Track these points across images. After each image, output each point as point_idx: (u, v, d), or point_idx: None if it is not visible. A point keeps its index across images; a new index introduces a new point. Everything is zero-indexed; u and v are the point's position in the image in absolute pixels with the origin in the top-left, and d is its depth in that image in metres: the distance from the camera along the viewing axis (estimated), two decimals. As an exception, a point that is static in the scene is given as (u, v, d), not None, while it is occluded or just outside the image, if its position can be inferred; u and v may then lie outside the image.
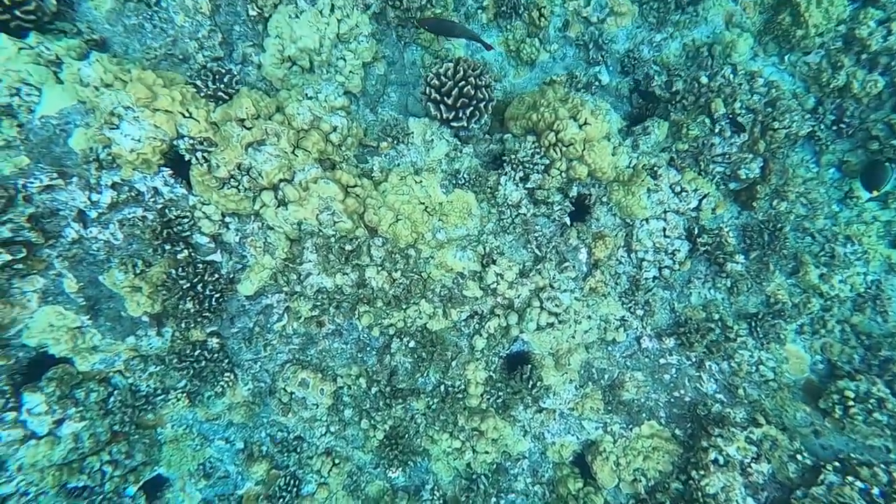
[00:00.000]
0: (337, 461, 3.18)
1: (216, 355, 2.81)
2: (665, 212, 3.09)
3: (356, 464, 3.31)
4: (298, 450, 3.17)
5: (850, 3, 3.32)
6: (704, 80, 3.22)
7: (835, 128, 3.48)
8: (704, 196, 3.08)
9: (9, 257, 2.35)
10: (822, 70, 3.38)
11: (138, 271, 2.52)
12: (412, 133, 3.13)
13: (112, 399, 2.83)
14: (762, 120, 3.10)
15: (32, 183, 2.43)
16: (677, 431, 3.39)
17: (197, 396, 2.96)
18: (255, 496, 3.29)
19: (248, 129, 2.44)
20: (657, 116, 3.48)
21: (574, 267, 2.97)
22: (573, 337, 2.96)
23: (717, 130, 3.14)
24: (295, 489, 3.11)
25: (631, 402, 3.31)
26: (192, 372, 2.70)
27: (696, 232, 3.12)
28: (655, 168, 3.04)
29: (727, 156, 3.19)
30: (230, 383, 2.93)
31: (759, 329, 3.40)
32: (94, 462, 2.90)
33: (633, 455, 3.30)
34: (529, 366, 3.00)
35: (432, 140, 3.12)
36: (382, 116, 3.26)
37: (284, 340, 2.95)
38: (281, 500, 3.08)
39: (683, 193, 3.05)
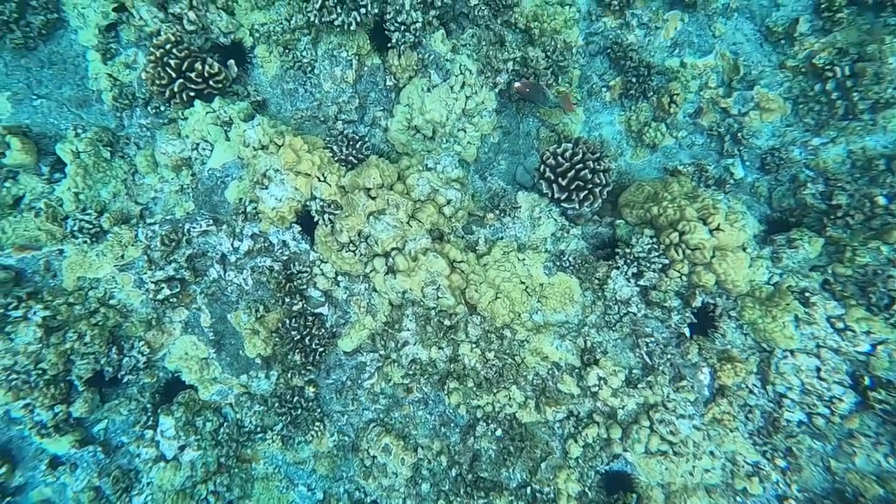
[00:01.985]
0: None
1: (311, 404, 2.92)
2: (819, 347, 2.54)
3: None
4: (373, 513, 3.08)
5: None
6: (882, 201, 2.68)
7: None
8: (881, 342, 2.47)
9: (169, 292, 2.72)
10: None
11: (259, 315, 2.74)
12: (520, 207, 3.07)
13: (222, 430, 3.04)
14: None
15: (195, 228, 2.82)
16: None
17: (289, 440, 3.07)
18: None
19: (373, 198, 2.57)
20: (806, 226, 2.98)
21: (693, 388, 2.55)
22: (690, 474, 2.50)
23: (897, 260, 2.56)
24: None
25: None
26: (289, 418, 2.82)
27: (867, 382, 2.50)
28: (807, 293, 2.54)
29: (910, 290, 2.57)
30: (319, 433, 3.00)
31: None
32: (203, 490, 3.06)
33: None
34: (635, 495, 2.58)
35: (540, 217, 3.02)
36: (491, 185, 3.26)
37: (372, 398, 2.97)
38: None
39: (849, 333, 2.49)
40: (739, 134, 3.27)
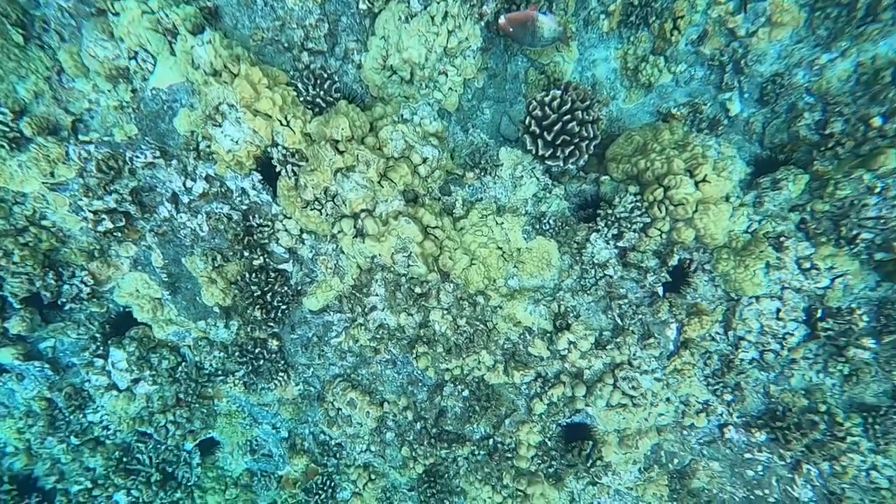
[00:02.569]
0: (373, 477, 3.30)
1: (274, 356, 2.92)
2: (783, 289, 2.65)
3: (392, 482, 3.43)
4: (338, 456, 3.31)
5: None
6: (878, 121, 2.55)
7: None
8: (840, 276, 2.57)
9: (111, 226, 2.49)
10: None
11: (217, 265, 2.60)
12: (501, 165, 2.88)
13: (180, 369, 3.05)
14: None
15: (139, 157, 2.50)
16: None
17: (252, 386, 3.13)
18: (293, 481, 3.54)
19: (341, 152, 2.32)
20: (794, 164, 2.88)
21: (659, 343, 2.69)
22: (646, 420, 2.74)
23: (877, 189, 2.50)
24: (331, 490, 3.30)
25: (700, 492, 3.07)
26: (250, 367, 2.83)
27: (818, 314, 2.64)
28: (781, 238, 2.57)
29: (882, 220, 2.56)
30: (283, 382, 3.06)
31: (877, 427, 2.79)
32: (161, 419, 3.22)
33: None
34: (591, 443, 2.84)
35: (521, 177, 2.85)
36: (473, 138, 3.01)
37: (339, 355, 2.99)
38: (317, 497, 3.29)
39: (814, 271, 2.57)
40: (743, 61, 2.94)
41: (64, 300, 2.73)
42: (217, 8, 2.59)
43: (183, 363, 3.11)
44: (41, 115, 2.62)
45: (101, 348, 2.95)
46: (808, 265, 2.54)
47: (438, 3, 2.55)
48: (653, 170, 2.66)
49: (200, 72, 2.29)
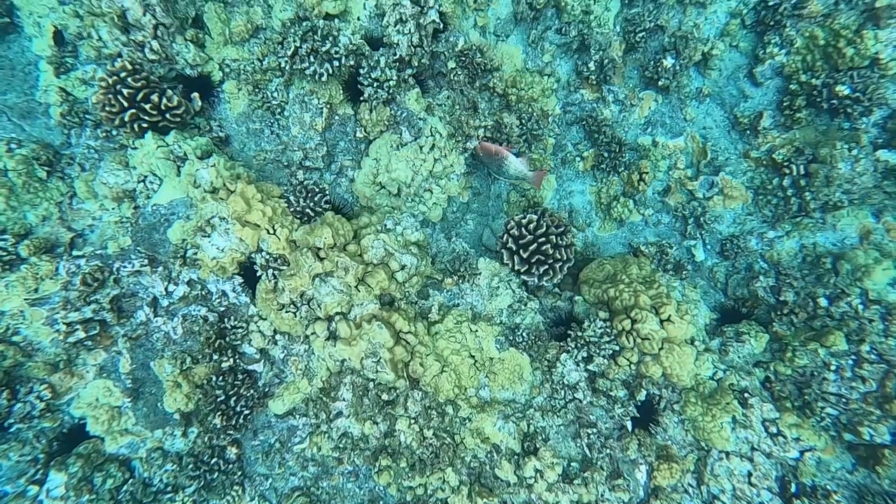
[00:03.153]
0: None
1: (231, 466, 2.71)
2: (752, 449, 2.56)
3: None
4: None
5: None
6: (823, 302, 2.77)
7: None
8: (809, 449, 2.52)
9: (83, 335, 2.50)
10: None
11: (185, 367, 2.55)
12: (480, 274, 3.01)
13: (124, 489, 2.79)
14: (898, 374, 2.54)
15: (126, 266, 2.61)
16: None
17: (202, 502, 2.84)
18: None
19: (321, 259, 2.46)
20: (756, 319, 3.04)
21: (629, 487, 2.51)
22: None
23: (833, 367, 2.63)
24: None
25: None
26: (202, 482, 2.60)
27: (793, 489, 2.53)
28: (746, 395, 2.57)
29: (844, 400, 2.63)
30: (237, 498, 2.79)
31: None
32: None
33: None
34: None
35: (498, 287, 2.96)
36: (455, 246, 3.20)
37: (301, 464, 2.80)
38: None
39: (780, 438, 2.52)
40: (702, 218, 3.34)
41: (11, 421, 2.59)
42: (228, 136, 3.00)
43: (130, 480, 2.84)
44: (43, 235, 2.83)
45: (42, 472, 2.67)
46: (774, 430, 2.51)
47: (427, 137, 2.94)
48: (622, 300, 2.78)
49: (200, 189, 2.53)
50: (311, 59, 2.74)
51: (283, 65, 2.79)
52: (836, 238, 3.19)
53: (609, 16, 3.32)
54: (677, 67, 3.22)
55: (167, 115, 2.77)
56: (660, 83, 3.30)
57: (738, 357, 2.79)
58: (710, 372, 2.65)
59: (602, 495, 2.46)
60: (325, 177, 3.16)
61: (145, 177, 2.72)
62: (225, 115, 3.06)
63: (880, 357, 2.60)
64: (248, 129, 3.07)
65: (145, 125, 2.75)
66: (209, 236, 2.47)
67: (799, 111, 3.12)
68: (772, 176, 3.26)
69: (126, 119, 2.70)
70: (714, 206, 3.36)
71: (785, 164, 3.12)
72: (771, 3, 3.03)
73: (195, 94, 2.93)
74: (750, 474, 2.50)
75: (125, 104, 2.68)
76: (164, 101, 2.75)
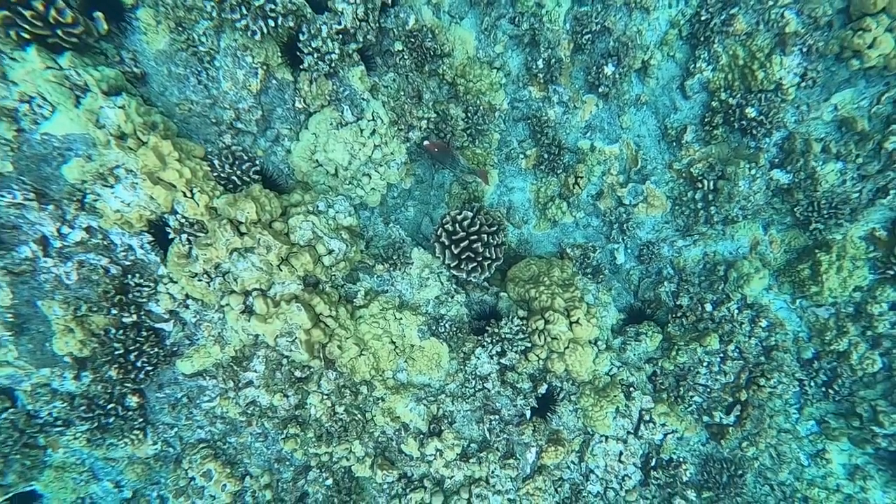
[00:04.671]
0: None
1: (131, 413, 2.67)
2: (628, 433, 2.99)
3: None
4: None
5: (872, 274, 3.32)
6: (709, 308, 3.18)
7: (824, 388, 3.42)
8: (671, 432, 2.98)
9: None
10: (828, 328, 3.35)
11: (79, 314, 2.41)
12: (412, 263, 3.08)
13: (3, 416, 2.65)
14: (751, 370, 3.04)
15: (4, 196, 2.32)
16: None
17: (97, 441, 2.79)
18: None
19: (242, 234, 2.38)
20: (657, 320, 3.43)
21: (518, 465, 2.84)
22: None
23: (705, 363, 3.08)
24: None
25: None
26: (97, 424, 2.56)
27: (652, 463, 3.02)
28: (631, 389, 2.95)
29: (709, 389, 3.12)
30: (137, 440, 2.78)
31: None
32: None
33: None
34: None
35: (428, 278, 3.06)
36: (392, 233, 3.22)
37: (210, 420, 2.82)
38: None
39: (650, 424, 2.96)
40: (626, 224, 3.62)
41: None
42: (146, 74, 2.63)
43: (11, 409, 2.71)
44: None
45: None
46: (647, 417, 2.93)
47: (368, 121, 2.85)
48: (539, 301, 3.00)
49: (104, 131, 2.27)
50: (243, 10, 2.47)
51: (209, 9, 2.48)
52: (733, 247, 3.62)
53: (560, 12, 3.32)
54: (617, 75, 3.33)
55: (58, 32, 2.29)
56: (600, 89, 3.41)
57: (634, 355, 3.16)
58: (606, 368, 2.99)
59: (493, 472, 2.77)
60: (259, 142, 2.97)
61: (31, 97, 2.33)
62: (141, 49, 2.67)
63: (740, 354, 3.09)
64: (169, 72, 2.72)
65: (27, 35, 2.26)
66: (111, 187, 2.27)
67: (716, 128, 3.40)
68: (688, 188, 3.57)
69: (-4, 22, 2.24)
70: (638, 213, 3.64)
71: (699, 178, 3.43)
72: (703, 18, 3.18)
73: (99, 13, 2.43)
74: (621, 453, 2.94)
75: (-6, 3, 2.22)
76: (53, 12, 2.27)
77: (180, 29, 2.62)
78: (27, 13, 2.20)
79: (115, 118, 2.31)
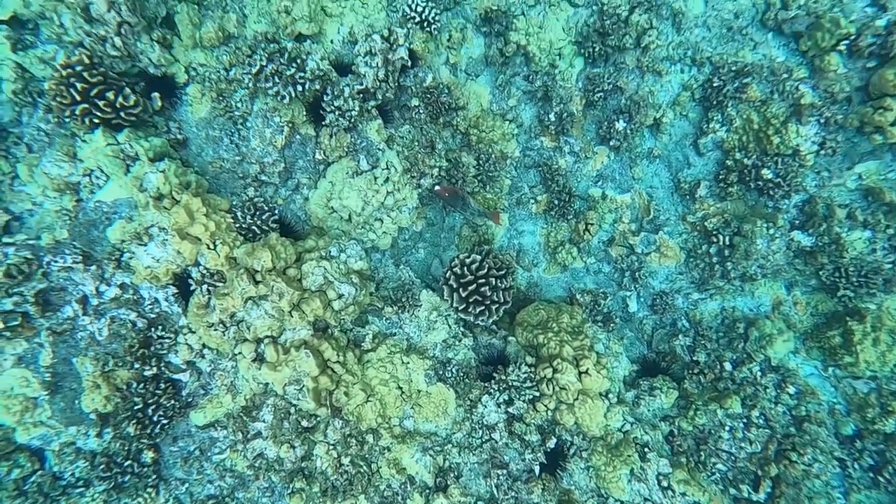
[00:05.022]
0: None
1: (145, 469, 2.70)
2: (646, 500, 2.75)
3: None
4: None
5: None
6: (728, 367, 3.00)
7: (871, 474, 3.07)
8: (695, 503, 2.73)
9: (1, 326, 2.43)
10: (870, 404, 3.07)
11: (107, 369, 2.52)
12: (421, 306, 3.10)
13: (32, 480, 2.71)
14: (780, 441, 2.79)
15: (57, 261, 2.57)
16: None
17: (112, 501, 2.81)
18: None
19: (257, 282, 2.49)
20: (672, 374, 3.26)
21: None
22: None
23: (727, 427, 2.86)
24: None
25: None
26: (113, 484, 2.58)
27: None
28: (646, 450, 2.75)
29: (733, 457, 2.87)
30: (150, 499, 2.77)
31: None
32: None
33: None
34: None
35: (436, 321, 3.06)
36: (402, 275, 3.28)
37: (219, 473, 2.80)
38: None
39: (669, 492, 2.72)
40: (639, 272, 3.56)
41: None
42: (187, 139, 2.98)
43: (39, 472, 2.77)
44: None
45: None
46: (666, 483, 2.71)
47: (382, 170, 3.03)
48: (548, 347, 2.93)
49: (146, 194, 2.52)
50: (276, 80, 2.78)
51: (246, 81, 2.81)
52: (753, 304, 3.46)
53: (573, 72, 3.51)
54: (628, 130, 3.43)
55: (122, 114, 2.73)
56: (611, 143, 3.51)
57: (648, 410, 2.98)
58: (619, 423, 2.82)
59: (500, 534, 2.58)
60: (280, 192, 3.19)
61: (91, 171, 2.67)
62: (186, 118, 3.04)
63: (766, 421, 2.85)
64: (207, 135, 3.06)
65: (97, 120, 2.71)
66: (145, 245, 2.47)
67: (732, 185, 3.38)
68: (702, 241, 3.51)
69: (77, 113, 2.65)
70: (650, 262, 3.58)
71: (714, 232, 3.37)
72: (715, 84, 3.28)
73: (156, 94, 2.91)
74: (640, 522, 2.69)
75: (77, 98, 2.64)
76: (121, 99, 2.72)
77: (221, 98, 2.98)
78: (101, 102, 2.59)
79: (156, 181, 2.58)
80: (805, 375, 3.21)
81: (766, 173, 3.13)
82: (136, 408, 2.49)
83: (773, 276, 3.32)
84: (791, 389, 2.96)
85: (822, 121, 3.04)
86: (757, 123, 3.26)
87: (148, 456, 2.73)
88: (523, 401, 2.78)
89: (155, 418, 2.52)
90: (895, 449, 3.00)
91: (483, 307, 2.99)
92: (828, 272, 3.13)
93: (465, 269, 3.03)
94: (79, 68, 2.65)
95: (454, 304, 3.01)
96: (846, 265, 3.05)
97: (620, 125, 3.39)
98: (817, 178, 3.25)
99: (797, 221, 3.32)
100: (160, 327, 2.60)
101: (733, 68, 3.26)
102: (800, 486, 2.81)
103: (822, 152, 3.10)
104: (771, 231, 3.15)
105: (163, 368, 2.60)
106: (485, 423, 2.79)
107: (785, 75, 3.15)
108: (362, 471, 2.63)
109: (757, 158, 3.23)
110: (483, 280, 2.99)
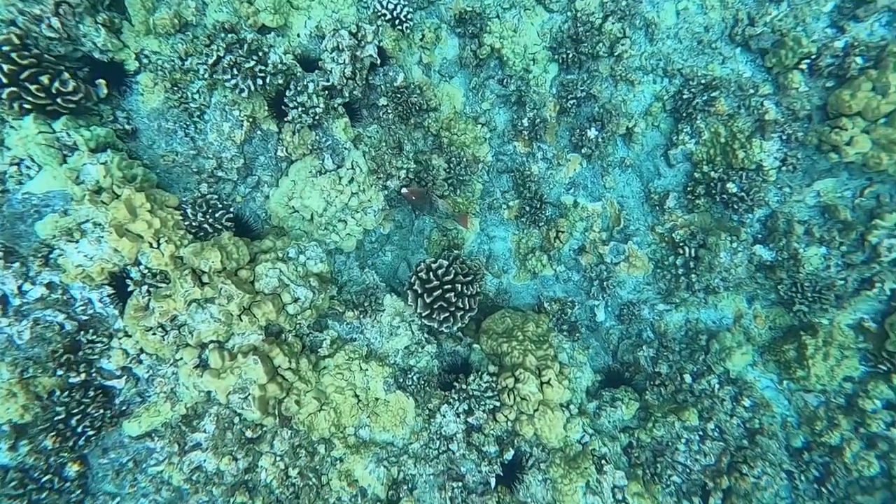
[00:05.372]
0: None
1: (68, 484, 2.49)
2: None
3: None
4: None
5: (864, 366, 3.17)
6: (688, 379, 3.03)
7: (816, 486, 3.15)
8: None
9: None
10: (818, 417, 3.15)
11: (27, 375, 2.33)
12: (384, 311, 3.01)
13: None
14: (732, 454, 2.83)
15: None
16: None
17: None
18: None
19: (203, 284, 2.35)
20: (635, 385, 3.27)
21: None
22: None
23: (684, 439, 2.88)
24: None
25: None
26: (27, 501, 2.38)
27: None
28: (603, 462, 2.75)
29: (688, 470, 2.90)
30: None
31: None
32: None
33: None
34: None
35: (399, 327, 2.98)
36: (366, 278, 3.18)
37: (155, 487, 2.63)
38: None
39: None
40: (607, 282, 3.56)
41: None
42: (136, 130, 2.78)
43: None
44: None
45: None
46: (620, 496, 2.71)
47: (348, 169, 2.92)
48: (511, 357, 2.89)
49: (82, 187, 2.34)
50: (234, 72, 2.63)
51: (202, 72, 2.65)
52: (716, 317, 3.51)
53: (547, 77, 3.47)
54: (600, 139, 3.42)
55: (59, 100, 2.53)
56: (583, 151, 3.49)
57: (609, 422, 2.98)
58: (578, 435, 2.81)
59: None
60: (239, 189, 3.03)
61: (21, 160, 2.46)
62: (136, 108, 2.85)
63: (721, 434, 2.89)
64: (159, 127, 2.88)
65: (28, 106, 2.49)
66: (76, 242, 2.29)
67: (699, 198, 3.42)
68: (669, 252, 3.54)
69: (4, 97, 2.44)
70: (619, 272, 3.59)
71: (681, 244, 3.40)
72: (685, 97, 3.30)
73: (101, 81, 2.71)
74: (594, 535, 2.68)
75: (4, 80, 2.42)
76: (57, 84, 2.52)
77: (175, 89, 2.80)
78: (33, 87, 2.37)
79: (96, 174, 2.38)
80: (762, 388, 3.28)
81: (732, 187, 3.16)
82: (56, 418, 2.30)
83: (735, 289, 3.38)
84: (747, 402, 3.02)
85: (783, 137, 3.10)
86: (724, 137, 3.30)
87: (72, 469, 2.51)
88: (483, 410, 2.73)
89: (79, 429, 2.34)
90: (839, 461, 3.09)
91: (448, 314, 2.92)
92: (785, 287, 3.20)
93: (432, 273, 2.95)
94: (6, 48, 2.44)
95: (418, 310, 2.92)
96: (802, 280, 3.12)
97: (592, 133, 3.38)
98: (779, 193, 3.32)
99: (760, 236, 3.38)
100: (92, 331, 2.42)
101: (703, 81, 3.29)
102: (749, 499, 2.87)
103: (784, 168, 3.16)
104: (734, 244, 3.19)
105: (93, 374, 2.41)
106: (443, 433, 2.72)
107: (751, 91, 3.19)
108: (311, 483, 2.52)
109: (723, 172, 3.27)
110: (449, 286, 2.92)
